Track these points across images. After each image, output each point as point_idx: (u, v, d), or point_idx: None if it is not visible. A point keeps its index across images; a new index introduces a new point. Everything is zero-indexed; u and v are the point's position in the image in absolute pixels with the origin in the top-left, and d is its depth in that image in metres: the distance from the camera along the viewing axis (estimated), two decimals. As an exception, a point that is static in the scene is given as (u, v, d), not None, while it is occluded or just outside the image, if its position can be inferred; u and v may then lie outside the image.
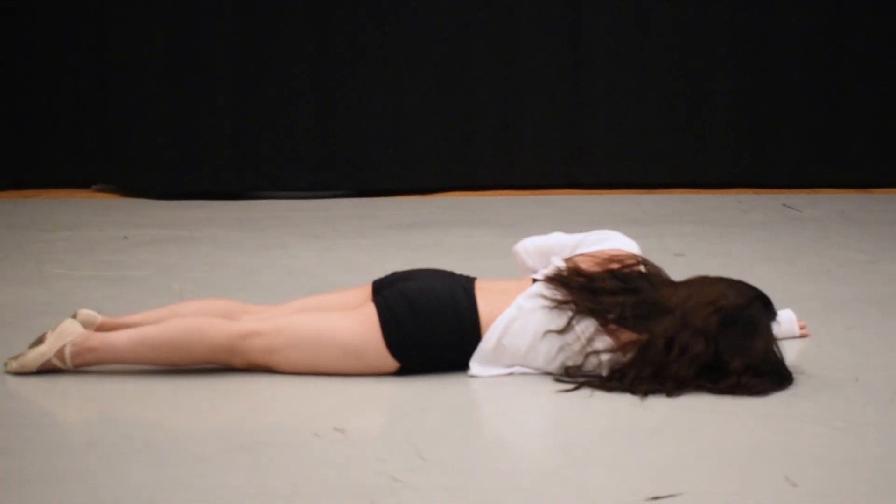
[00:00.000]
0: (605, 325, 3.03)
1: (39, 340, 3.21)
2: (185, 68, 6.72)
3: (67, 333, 3.16)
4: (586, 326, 3.03)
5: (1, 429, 2.81)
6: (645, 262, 3.24)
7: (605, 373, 3.03)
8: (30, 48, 6.81)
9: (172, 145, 6.74)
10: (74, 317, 3.28)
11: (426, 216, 6.04)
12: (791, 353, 3.43)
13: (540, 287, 3.13)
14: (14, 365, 3.17)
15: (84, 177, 6.94)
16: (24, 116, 6.84)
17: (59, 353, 3.14)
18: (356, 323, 3.07)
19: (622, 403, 2.95)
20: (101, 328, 3.27)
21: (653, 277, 3.17)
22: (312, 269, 4.73)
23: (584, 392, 3.00)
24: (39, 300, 4.13)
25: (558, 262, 3.22)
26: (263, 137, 6.74)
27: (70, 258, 4.89)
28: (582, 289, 3.06)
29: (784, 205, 6.38)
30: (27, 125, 6.85)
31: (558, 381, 3.05)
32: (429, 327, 3.06)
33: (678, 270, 4.78)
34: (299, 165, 6.75)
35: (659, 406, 2.95)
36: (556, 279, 3.11)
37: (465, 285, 3.19)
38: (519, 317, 3.08)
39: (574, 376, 3.05)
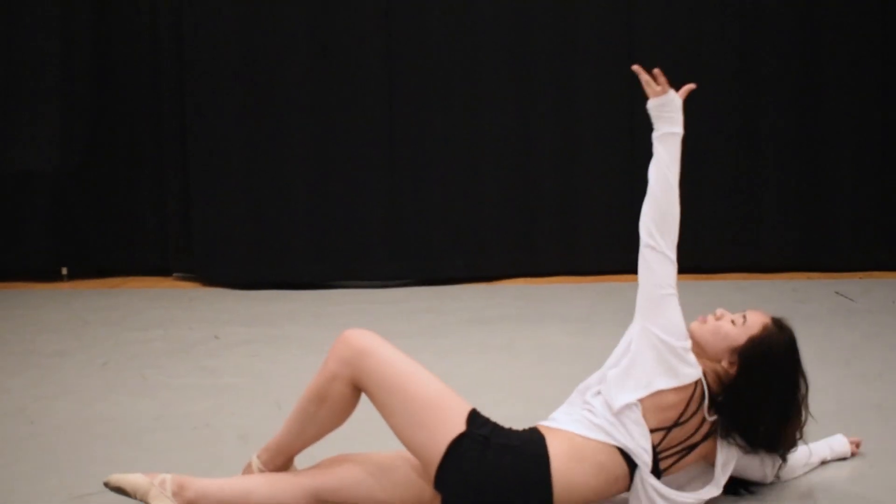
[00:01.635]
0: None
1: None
2: (262, 160, 7.19)
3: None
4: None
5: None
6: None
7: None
8: (111, 138, 7.30)
9: (249, 236, 7.20)
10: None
11: (495, 310, 6.42)
12: (844, 472, 3.77)
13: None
14: None
15: (164, 265, 7.41)
16: (106, 205, 7.33)
17: None
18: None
19: None
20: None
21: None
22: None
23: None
24: (149, 413, 4.53)
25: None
26: (337, 229, 7.20)
27: (168, 363, 5.32)
28: None
29: (837, 293, 6.72)
30: (110, 215, 7.34)
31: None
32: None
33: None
34: (369, 256, 7.19)
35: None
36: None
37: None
38: None
39: None
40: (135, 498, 3.38)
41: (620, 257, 7.36)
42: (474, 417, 3.23)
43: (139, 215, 7.39)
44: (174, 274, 7.42)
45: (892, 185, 7.37)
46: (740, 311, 3.41)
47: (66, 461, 3.96)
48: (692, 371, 3.27)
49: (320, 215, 7.21)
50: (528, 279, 7.22)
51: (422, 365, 3.33)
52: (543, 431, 3.29)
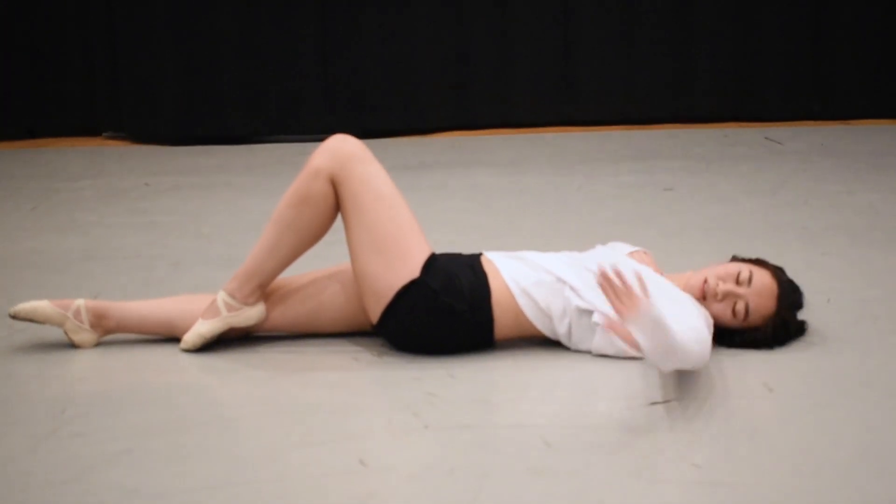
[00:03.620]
0: None
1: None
2: (190, 16, 7.12)
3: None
4: None
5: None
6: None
7: None
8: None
9: (179, 93, 7.16)
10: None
11: (428, 157, 6.49)
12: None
13: None
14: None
15: (93, 125, 7.36)
16: (33, 67, 7.23)
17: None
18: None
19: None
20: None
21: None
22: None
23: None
24: (80, 247, 4.57)
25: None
26: (268, 83, 7.17)
27: (99, 206, 5.34)
28: None
29: (766, 138, 6.85)
30: (37, 75, 7.24)
31: None
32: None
33: (667, 203, 5.29)
34: (303, 110, 7.20)
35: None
36: None
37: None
38: None
39: None
40: (51, 324, 3.28)
41: (553, 108, 7.45)
42: (430, 265, 3.17)
43: (66, 75, 7.30)
44: (103, 133, 7.38)
45: (823, 35, 7.45)
46: (747, 264, 3.26)
47: (-5, 287, 3.99)
48: None
49: (253, 69, 7.17)
50: (462, 132, 7.27)
51: (402, 195, 3.25)
52: (491, 285, 3.18)
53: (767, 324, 3.19)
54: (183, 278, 4.04)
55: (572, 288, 3.16)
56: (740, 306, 3.17)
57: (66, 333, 3.31)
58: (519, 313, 3.20)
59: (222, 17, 7.12)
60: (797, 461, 2.54)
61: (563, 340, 3.22)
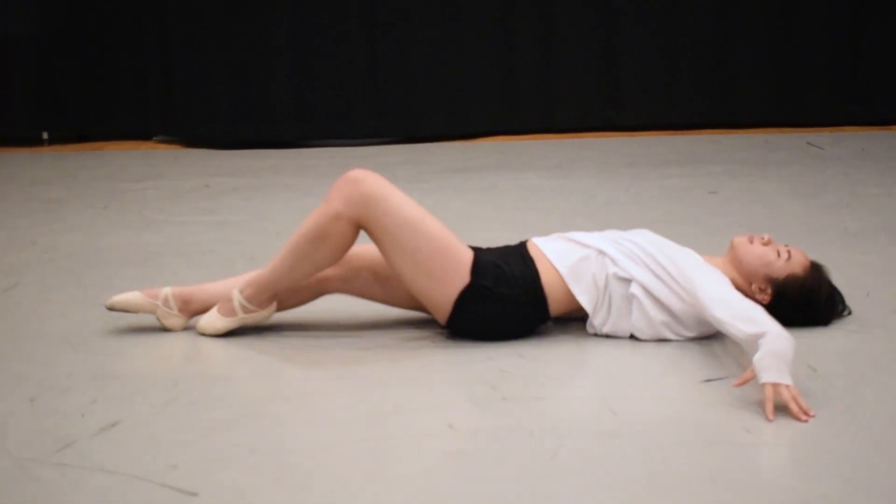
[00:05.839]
0: None
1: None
2: (241, 24, 7.61)
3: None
4: None
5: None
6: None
7: None
8: (89, 3, 7.67)
9: (230, 98, 7.64)
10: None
11: (475, 160, 6.95)
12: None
13: None
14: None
15: (145, 129, 7.85)
16: (86, 72, 7.73)
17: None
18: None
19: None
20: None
21: None
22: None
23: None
24: (156, 242, 5.05)
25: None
26: (317, 89, 7.65)
27: (165, 205, 5.82)
28: None
29: (808, 143, 7.28)
30: (90, 80, 7.74)
31: None
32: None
33: (712, 205, 5.73)
34: (352, 115, 7.66)
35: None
36: None
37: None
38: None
39: None
40: (143, 313, 3.73)
41: (597, 114, 7.90)
42: (477, 265, 3.55)
43: (119, 80, 7.79)
44: (155, 137, 7.86)
45: (863, 41, 7.88)
46: (784, 243, 3.70)
47: (86, 279, 4.45)
48: None
49: (302, 75, 7.65)
50: (507, 136, 7.72)
51: (427, 211, 3.58)
52: (539, 268, 3.59)
53: (800, 278, 3.60)
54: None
55: (612, 259, 3.59)
56: (783, 249, 3.62)
57: (158, 320, 3.76)
58: (566, 290, 3.62)
59: (272, 24, 7.61)
60: (837, 428, 2.97)
61: (603, 319, 3.61)
